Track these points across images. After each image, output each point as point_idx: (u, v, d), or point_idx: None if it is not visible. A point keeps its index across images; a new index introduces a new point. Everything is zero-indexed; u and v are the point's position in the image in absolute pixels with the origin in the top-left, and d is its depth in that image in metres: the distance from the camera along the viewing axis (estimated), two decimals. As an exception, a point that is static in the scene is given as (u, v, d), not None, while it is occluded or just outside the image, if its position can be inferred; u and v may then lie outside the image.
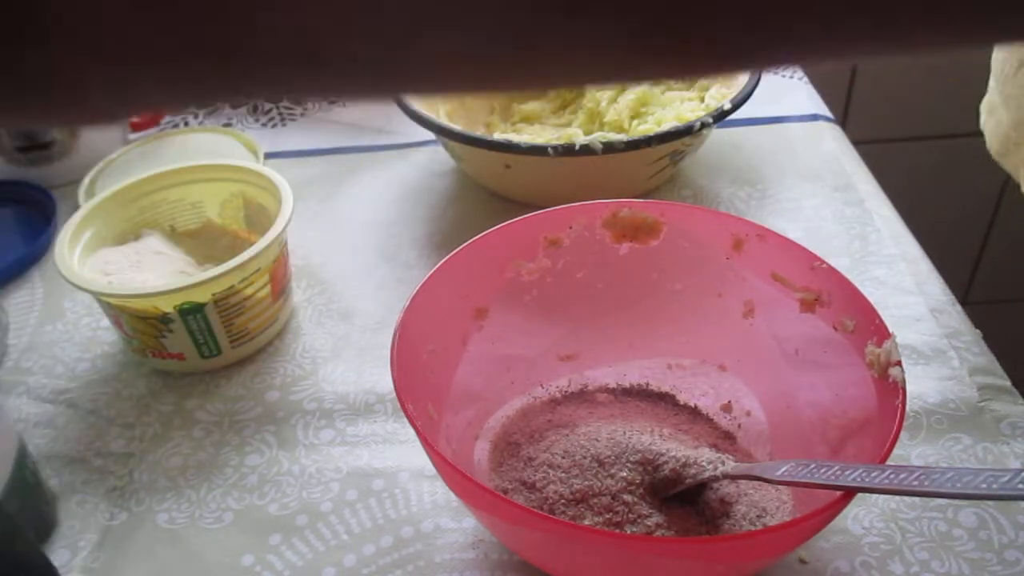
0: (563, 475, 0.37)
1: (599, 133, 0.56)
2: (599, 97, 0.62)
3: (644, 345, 0.45)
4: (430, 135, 0.65)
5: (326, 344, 0.51)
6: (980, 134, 0.55)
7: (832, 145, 0.63)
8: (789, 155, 0.63)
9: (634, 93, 0.60)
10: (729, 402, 0.44)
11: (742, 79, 0.57)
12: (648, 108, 0.61)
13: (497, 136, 0.60)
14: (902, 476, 0.30)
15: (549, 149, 0.51)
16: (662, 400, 0.45)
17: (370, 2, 0.13)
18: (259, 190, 0.52)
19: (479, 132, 0.63)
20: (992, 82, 0.54)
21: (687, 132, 0.53)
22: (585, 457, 0.38)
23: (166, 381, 0.49)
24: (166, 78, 0.14)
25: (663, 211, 0.43)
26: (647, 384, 0.45)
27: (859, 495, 0.32)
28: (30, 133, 0.63)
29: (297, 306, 0.54)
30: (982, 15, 0.13)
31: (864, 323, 0.37)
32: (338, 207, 0.62)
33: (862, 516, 0.39)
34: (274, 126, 0.71)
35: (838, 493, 0.31)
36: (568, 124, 0.64)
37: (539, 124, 0.65)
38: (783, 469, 0.33)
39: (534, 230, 0.43)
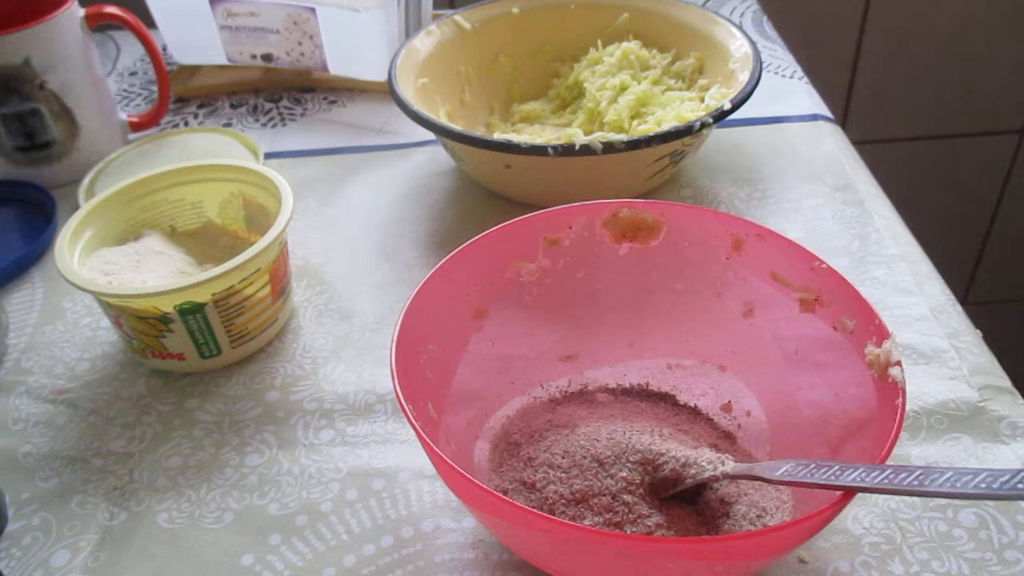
0: (563, 475, 0.37)
1: (599, 133, 0.56)
2: (599, 97, 0.62)
3: (644, 345, 0.45)
4: (430, 135, 0.65)
5: (326, 344, 0.51)
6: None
7: (832, 145, 0.63)
8: (789, 155, 0.63)
9: (634, 93, 0.60)
10: (729, 402, 0.44)
11: (742, 79, 0.57)
12: (648, 108, 0.60)
13: (497, 136, 0.60)
14: (902, 476, 0.30)
15: (549, 149, 0.51)
16: (662, 400, 0.45)
17: None
18: (259, 190, 0.52)
19: (479, 132, 0.63)
20: None
21: (687, 132, 0.53)
22: (585, 457, 0.38)
23: (166, 381, 0.49)
24: None
25: (663, 211, 0.43)
26: (647, 384, 0.45)
27: (859, 495, 0.32)
28: (30, 133, 0.63)
29: (297, 306, 0.54)
30: None
31: (864, 323, 0.37)
32: (338, 207, 0.62)
33: (862, 516, 0.39)
34: (274, 126, 0.71)
35: (838, 493, 0.31)
36: (568, 124, 0.64)
37: (539, 124, 0.65)
38: (783, 469, 0.33)
39: (534, 230, 0.43)
